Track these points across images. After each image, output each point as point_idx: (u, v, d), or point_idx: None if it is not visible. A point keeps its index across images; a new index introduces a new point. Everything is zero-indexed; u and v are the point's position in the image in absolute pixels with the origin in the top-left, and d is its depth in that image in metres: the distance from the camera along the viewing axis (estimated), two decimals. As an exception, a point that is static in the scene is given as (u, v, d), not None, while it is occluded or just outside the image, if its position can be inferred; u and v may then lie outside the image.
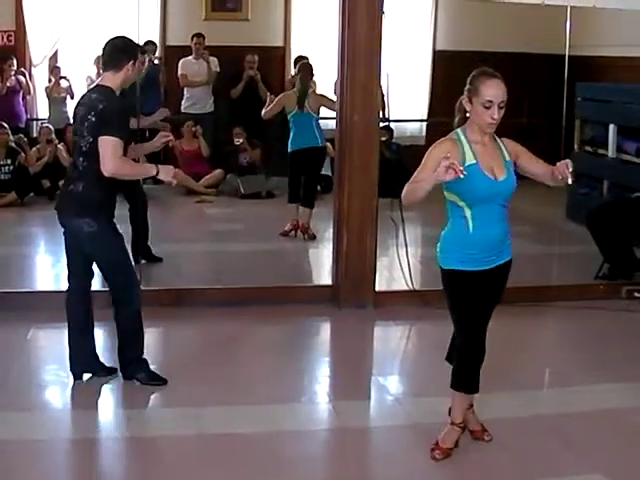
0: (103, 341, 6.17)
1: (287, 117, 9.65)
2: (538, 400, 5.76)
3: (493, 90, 4.55)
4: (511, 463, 4.88)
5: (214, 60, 12.51)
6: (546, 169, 4.70)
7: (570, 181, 4.58)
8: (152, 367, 5.82)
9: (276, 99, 9.81)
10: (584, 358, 6.51)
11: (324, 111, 9.50)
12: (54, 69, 12.39)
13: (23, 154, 11.56)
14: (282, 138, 10.69)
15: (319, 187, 10.23)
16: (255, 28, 12.97)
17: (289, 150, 9.67)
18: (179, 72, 12.50)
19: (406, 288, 7.52)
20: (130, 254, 7.87)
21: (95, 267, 5.72)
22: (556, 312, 7.51)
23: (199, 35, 12.45)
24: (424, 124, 13.58)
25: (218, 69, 12.57)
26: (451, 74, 10.31)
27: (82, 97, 5.75)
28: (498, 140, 4.73)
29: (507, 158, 4.68)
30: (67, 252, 5.72)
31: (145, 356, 5.82)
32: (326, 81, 9.92)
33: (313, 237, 9.73)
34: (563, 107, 9.69)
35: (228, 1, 13.12)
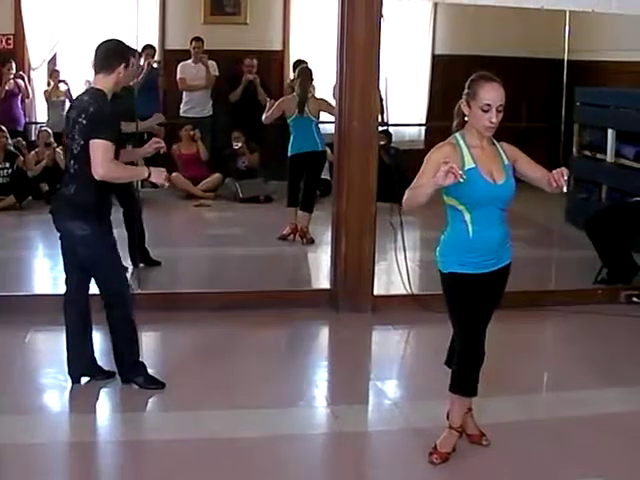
0: (101, 344, 6.15)
1: (287, 121, 9.64)
2: (537, 404, 5.76)
3: (491, 94, 4.56)
4: (510, 468, 4.87)
5: (213, 64, 12.51)
6: (543, 175, 4.70)
7: (565, 189, 4.58)
8: (150, 371, 5.81)
9: (276, 104, 9.81)
10: (583, 362, 6.50)
11: (324, 116, 9.50)
12: (53, 73, 12.40)
13: (21, 157, 11.56)
14: (281, 142, 10.70)
15: (318, 191, 10.23)
16: (254, 32, 12.98)
17: (289, 154, 9.67)
18: (178, 76, 12.50)
19: (404, 292, 7.51)
20: (129, 257, 7.96)
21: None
22: (554, 317, 7.51)
23: (198, 39, 12.45)
24: (423, 128, 13.60)
25: (217, 73, 12.57)
26: (450, 78, 10.35)
27: (74, 100, 5.75)
28: (497, 144, 4.74)
29: (506, 162, 4.68)
30: (63, 255, 5.71)
31: (142, 359, 5.80)
32: (325, 85, 9.92)
33: (311, 241, 9.73)
34: (562, 112, 9.71)
35: (227, 5, 13.13)
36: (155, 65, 12.29)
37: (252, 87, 12.50)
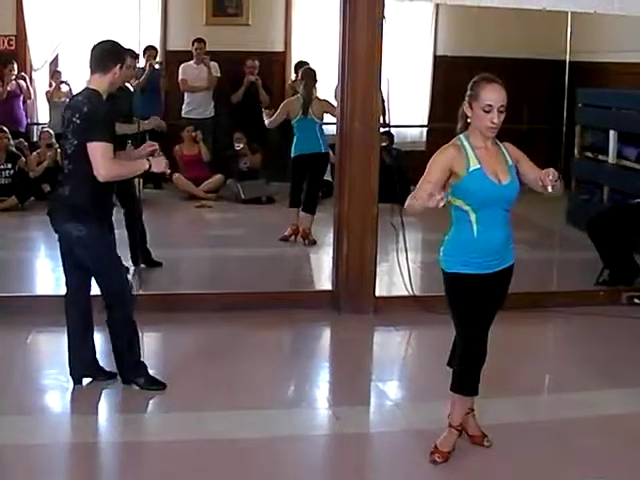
0: (102, 345, 6.16)
1: (290, 122, 9.64)
2: (538, 406, 5.76)
3: (492, 94, 4.58)
4: (511, 469, 4.87)
5: (215, 65, 12.51)
6: (537, 176, 4.71)
7: (550, 189, 4.58)
8: (151, 372, 5.81)
9: (280, 107, 9.83)
10: (584, 364, 6.50)
11: (327, 117, 9.50)
12: (54, 73, 12.41)
13: (23, 158, 11.57)
14: (282, 143, 10.71)
15: (320, 193, 10.23)
16: (256, 33, 12.98)
17: (292, 155, 9.67)
18: (180, 77, 12.50)
19: (406, 293, 7.51)
20: (129, 258, 7.96)
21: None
22: (556, 318, 7.50)
23: (200, 40, 12.45)
24: (424, 130, 13.60)
25: (219, 74, 12.57)
26: (452, 80, 10.35)
27: (70, 100, 5.74)
28: (500, 145, 4.76)
29: (510, 162, 4.71)
30: (62, 256, 5.70)
31: (143, 360, 5.80)
32: (327, 86, 9.92)
33: (313, 242, 9.73)
34: (563, 113, 9.70)
35: (229, 6, 13.13)
36: (157, 66, 12.30)
37: (254, 88, 12.50)
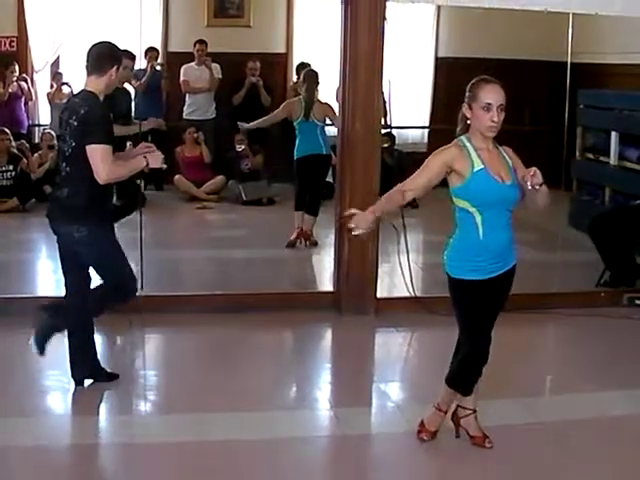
0: (103, 347, 6.16)
1: (291, 124, 9.64)
2: (540, 407, 5.75)
3: (491, 93, 4.62)
4: (512, 470, 4.87)
5: (216, 66, 12.52)
6: (523, 174, 4.71)
7: (529, 186, 4.56)
8: (153, 373, 5.81)
9: (281, 106, 9.83)
10: (586, 365, 6.50)
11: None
12: (56, 75, 12.42)
13: (25, 160, 11.58)
14: (284, 144, 10.71)
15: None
16: (257, 34, 13.00)
17: (295, 157, 9.66)
18: (181, 78, 12.52)
19: (407, 295, 7.50)
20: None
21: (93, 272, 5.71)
22: (557, 319, 7.50)
23: (201, 41, 12.47)
24: (426, 131, 13.61)
25: (220, 75, 12.58)
26: (453, 81, 10.32)
27: (67, 101, 5.74)
28: (500, 148, 4.77)
29: (510, 164, 4.72)
30: (61, 258, 5.70)
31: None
32: (328, 88, 9.92)
33: (315, 244, 9.73)
34: (565, 114, 9.69)
35: (230, 8, 13.14)
36: (158, 68, 12.32)
37: (255, 90, 12.52)
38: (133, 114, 8.99)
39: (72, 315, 5.72)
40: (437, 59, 13.55)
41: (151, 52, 12.13)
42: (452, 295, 4.82)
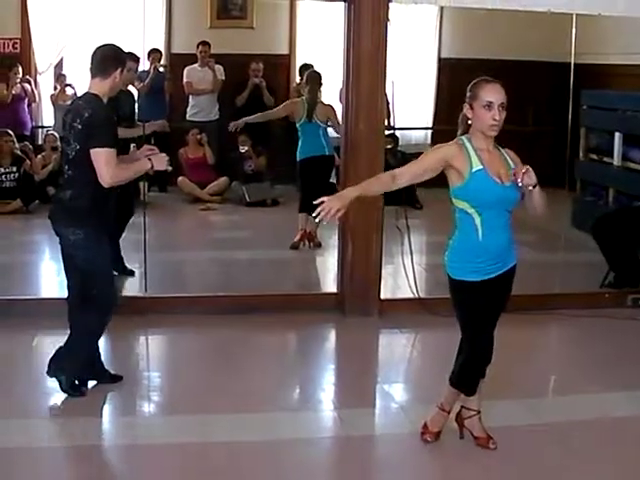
0: (107, 348, 6.17)
1: (296, 125, 9.63)
2: (544, 408, 5.75)
3: (492, 92, 4.63)
4: (516, 471, 4.87)
5: (219, 68, 12.53)
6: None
7: (519, 182, 4.55)
8: (156, 374, 5.82)
9: (283, 104, 9.84)
10: (589, 366, 6.50)
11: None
12: (59, 77, 12.42)
13: (28, 161, 11.58)
14: (287, 146, 10.70)
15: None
16: (260, 36, 12.99)
17: (298, 159, 9.64)
18: (184, 80, 12.53)
19: (411, 296, 7.51)
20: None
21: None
22: (561, 320, 7.50)
23: (204, 43, 12.47)
24: (429, 132, 13.59)
25: (223, 77, 12.58)
26: (456, 82, 10.29)
27: (71, 104, 5.74)
28: (501, 149, 4.77)
29: (512, 165, 4.71)
30: (63, 259, 5.71)
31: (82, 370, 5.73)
32: (331, 89, 9.92)
33: (319, 245, 9.72)
34: (568, 115, 9.68)
35: (233, 9, 13.14)
36: (161, 69, 12.31)
37: (258, 91, 12.51)
38: (136, 116, 8.99)
39: (73, 315, 5.72)
40: (440, 60, 13.53)
41: (154, 54, 12.12)
42: (453, 296, 4.82)
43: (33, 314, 6.92)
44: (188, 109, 12.67)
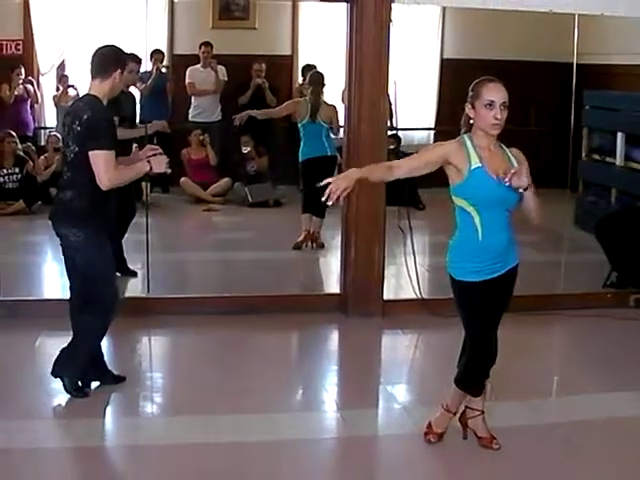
0: (109, 349, 6.17)
1: (297, 126, 9.62)
2: (546, 408, 5.75)
3: (494, 91, 4.64)
4: (520, 471, 4.87)
5: (222, 69, 12.53)
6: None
7: (506, 182, 4.54)
8: (159, 375, 5.81)
9: (286, 102, 9.84)
10: (592, 366, 6.50)
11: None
12: (62, 78, 12.43)
13: (31, 162, 11.60)
14: (289, 146, 10.69)
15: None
16: (263, 37, 12.99)
17: (300, 160, 9.64)
18: (187, 81, 12.53)
19: (414, 297, 7.50)
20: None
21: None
22: (564, 320, 7.50)
23: (207, 44, 12.47)
24: (432, 132, 13.59)
25: (226, 78, 12.58)
26: (459, 82, 10.29)
27: (70, 105, 5.73)
28: (505, 148, 4.77)
29: (515, 164, 4.69)
30: (65, 260, 5.71)
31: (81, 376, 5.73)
32: (334, 89, 9.92)
33: (321, 246, 9.73)
34: (571, 115, 9.68)
35: (236, 10, 13.14)
36: (164, 70, 12.30)
37: (261, 91, 12.51)
38: (139, 117, 8.99)
39: (75, 316, 5.72)
40: (443, 60, 13.53)
41: (156, 54, 12.12)
42: (455, 297, 4.83)
43: (36, 315, 6.92)
44: (190, 110, 12.67)
